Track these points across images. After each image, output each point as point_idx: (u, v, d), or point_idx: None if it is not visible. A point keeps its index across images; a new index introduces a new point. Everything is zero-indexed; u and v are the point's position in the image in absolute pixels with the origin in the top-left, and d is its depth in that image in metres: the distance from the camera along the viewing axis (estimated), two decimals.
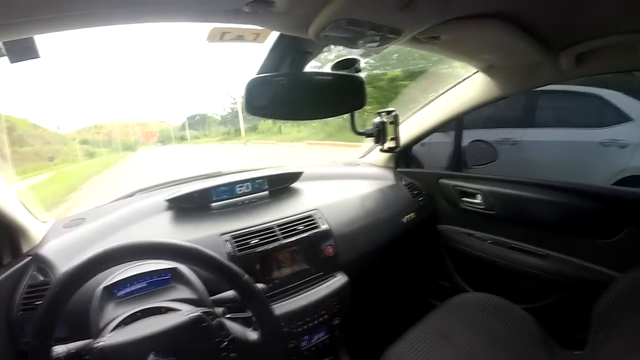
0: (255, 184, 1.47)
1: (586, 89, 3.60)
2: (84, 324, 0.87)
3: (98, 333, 0.83)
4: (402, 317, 1.42)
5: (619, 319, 0.97)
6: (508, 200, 1.59)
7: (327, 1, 0.71)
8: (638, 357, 0.79)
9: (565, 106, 3.81)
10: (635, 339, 0.87)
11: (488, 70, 1.45)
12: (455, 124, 1.83)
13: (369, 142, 1.74)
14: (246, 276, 0.85)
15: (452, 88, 1.66)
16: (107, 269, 0.76)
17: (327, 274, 1.33)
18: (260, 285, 0.93)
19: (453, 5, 0.83)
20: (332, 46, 0.97)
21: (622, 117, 3.53)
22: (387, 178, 1.85)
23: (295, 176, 1.58)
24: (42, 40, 0.79)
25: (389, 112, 1.46)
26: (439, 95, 1.72)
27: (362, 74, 1.13)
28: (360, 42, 0.89)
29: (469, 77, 1.57)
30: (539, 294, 1.56)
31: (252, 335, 0.88)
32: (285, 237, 1.26)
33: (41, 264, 1.06)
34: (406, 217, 1.67)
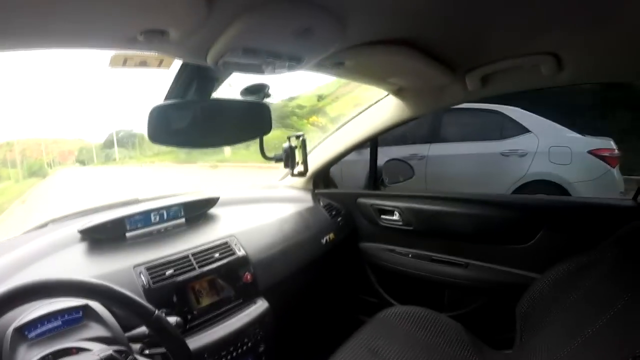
0: (171, 211, 1.42)
1: (487, 105, 4.08)
2: None
3: None
4: (332, 336, 1.42)
5: (541, 316, 1.04)
6: (424, 215, 1.66)
7: (221, 31, 0.72)
8: (561, 349, 0.85)
9: (468, 122, 4.31)
10: (557, 333, 0.93)
11: (398, 92, 1.52)
12: (371, 143, 1.90)
13: None
14: (156, 312, 0.82)
15: (366, 110, 1.72)
16: (13, 308, 0.72)
17: (248, 301, 1.30)
18: (174, 319, 0.91)
19: (351, 33, 0.85)
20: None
21: (521, 130, 4.04)
22: (305, 200, 1.86)
23: (212, 202, 1.54)
24: None
25: (297, 137, 1.48)
26: (354, 117, 1.77)
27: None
28: (265, 68, 0.90)
29: (381, 99, 1.63)
30: (464, 301, 1.61)
31: None
32: (200, 266, 1.22)
33: None
34: (325, 237, 1.68)
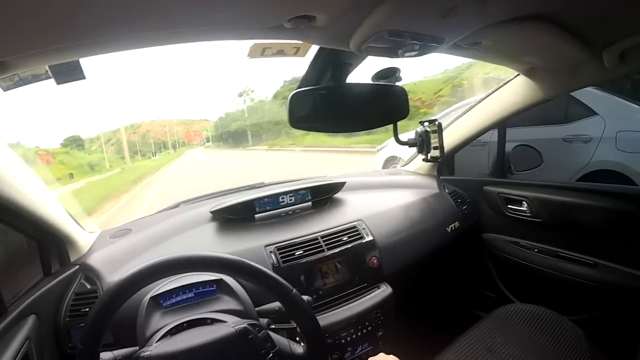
0: (299, 195, 1.48)
1: None
2: (131, 332, 0.90)
3: (144, 342, 0.85)
4: (446, 328, 1.39)
5: None
6: (555, 207, 1.53)
7: (368, 14, 0.72)
8: None
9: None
10: None
11: (530, 72, 1.41)
12: (498, 128, 1.78)
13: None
14: (294, 290, 0.85)
15: (494, 93, 1.63)
16: (155, 281, 0.78)
17: (371, 285, 1.32)
18: (306, 298, 0.93)
19: (493, 10, 0.82)
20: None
21: (587, 112, 3.49)
22: (430, 186, 1.83)
23: (338, 186, 1.58)
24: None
25: (431, 121, 1.44)
26: (481, 101, 1.69)
27: None
28: (400, 51, 0.89)
29: (510, 80, 1.53)
30: (588, 305, 1.48)
31: (298, 348, 0.88)
32: (329, 249, 1.26)
33: (89, 273, 1.10)
34: (450, 226, 1.64)
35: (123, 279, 0.74)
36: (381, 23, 0.74)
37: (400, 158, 4.58)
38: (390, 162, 5.04)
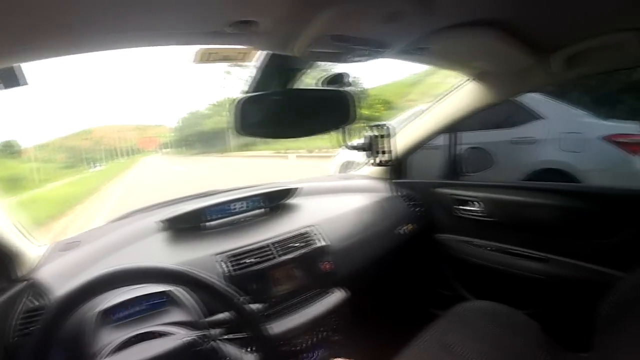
0: (251, 201, 1.46)
1: None
2: (80, 349, 0.87)
3: (94, 358, 0.82)
4: (405, 329, 1.40)
5: (626, 318, 0.95)
6: (505, 206, 1.58)
7: (311, 19, 0.71)
8: None
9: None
10: None
11: (480, 77, 1.46)
12: (449, 132, 1.82)
13: None
14: (239, 298, 0.84)
15: (446, 97, 1.66)
16: (101, 294, 0.76)
17: (325, 290, 1.31)
18: (255, 306, 0.92)
19: (438, 16, 0.83)
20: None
21: (532, 116, 3.81)
22: (383, 190, 1.84)
23: (291, 192, 1.57)
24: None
25: (381, 126, 1.45)
26: (432, 105, 1.72)
27: None
28: (348, 56, 0.89)
29: (460, 85, 1.57)
30: (542, 299, 1.53)
31: (249, 358, 0.87)
32: (281, 255, 1.24)
33: (37, 288, 1.05)
34: (404, 228, 1.65)
35: (66, 293, 0.72)
36: (324, 28, 0.73)
37: (356, 162, 4.69)
38: (347, 166, 5.13)
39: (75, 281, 0.73)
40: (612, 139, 3.44)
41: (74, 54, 0.76)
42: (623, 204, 1.32)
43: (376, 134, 1.43)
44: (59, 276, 1.08)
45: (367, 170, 2.05)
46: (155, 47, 0.80)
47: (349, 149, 1.32)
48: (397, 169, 1.96)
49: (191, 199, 1.59)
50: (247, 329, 0.87)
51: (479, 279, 1.73)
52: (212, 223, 1.39)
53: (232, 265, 1.17)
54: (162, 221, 1.32)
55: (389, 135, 1.44)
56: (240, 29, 0.71)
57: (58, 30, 0.62)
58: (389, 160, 1.45)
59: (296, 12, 0.68)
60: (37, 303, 1.01)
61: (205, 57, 0.93)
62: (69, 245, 1.24)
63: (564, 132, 3.60)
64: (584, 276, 1.38)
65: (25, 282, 1.06)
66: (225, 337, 0.92)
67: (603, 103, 4.00)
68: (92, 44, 0.72)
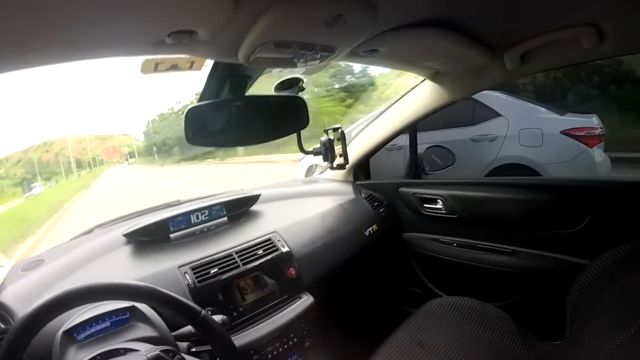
0: (212, 210, 1.44)
1: None
2: None
3: None
4: (378, 328, 1.40)
5: (592, 304, 0.98)
6: (469, 203, 1.61)
7: (250, 25, 0.71)
8: (614, 339, 0.79)
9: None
10: (609, 322, 0.88)
11: (435, 77, 1.48)
12: (409, 131, 1.85)
13: None
14: (203, 312, 0.82)
15: (402, 98, 1.68)
16: (61, 313, 0.73)
17: (293, 296, 1.30)
18: (220, 317, 0.91)
19: (384, 18, 0.83)
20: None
21: (491, 114, 3.96)
22: (347, 192, 1.85)
23: (253, 199, 1.56)
24: None
25: (335, 129, 1.45)
26: (391, 106, 1.74)
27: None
28: (299, 61, 0.89)
29: (417, 85, 1.59)
30: (511, 290, 1.56)
31: None
32: (245, 263, 1.23)
33: (0, 310, 1.01)
34: (368, 229, 1.66)
35: (26, 315, 0.70)
36: (265, 34, 0.73)
37: (319, 165, 4.76)
38: (311, 170, 5.16)
39: (34, 302, 0.71)
40: (570, 133, 3.60)
41: (14, 70, 0.73)
42: (584, 194, 1.35)
43: (331, 137, 1.44)
44: (22, 297, 1.04)
45: (330, 173, 2.05)
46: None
47: (305, 153, 1.32)
48: (360, 170, 1.98)
49: (154, 211, 1.56)
50: (211, 344, 0.85)
51: (448, 275, 1.76)
52: (176, 234, 1.37)
53: (196, 276, 1.15)
54: (126, 234, 1.29)
55: (343, 139, 1.44)
56: (180, 39, 0.70)
57: None
58: (345, 164, 1.45)
59: (233, 20, 0.67)
60: (1, 326, 0.97)
61: (152, 67, 0.91)
62: (32, 265, 1.20)
63: (524, 128, 3.74)
64: (551, 266, 1.41)
65: None
66: (193, 350, 0.91)
67: (560, 98, 4.18)
68: (28, 60, 0.70)
